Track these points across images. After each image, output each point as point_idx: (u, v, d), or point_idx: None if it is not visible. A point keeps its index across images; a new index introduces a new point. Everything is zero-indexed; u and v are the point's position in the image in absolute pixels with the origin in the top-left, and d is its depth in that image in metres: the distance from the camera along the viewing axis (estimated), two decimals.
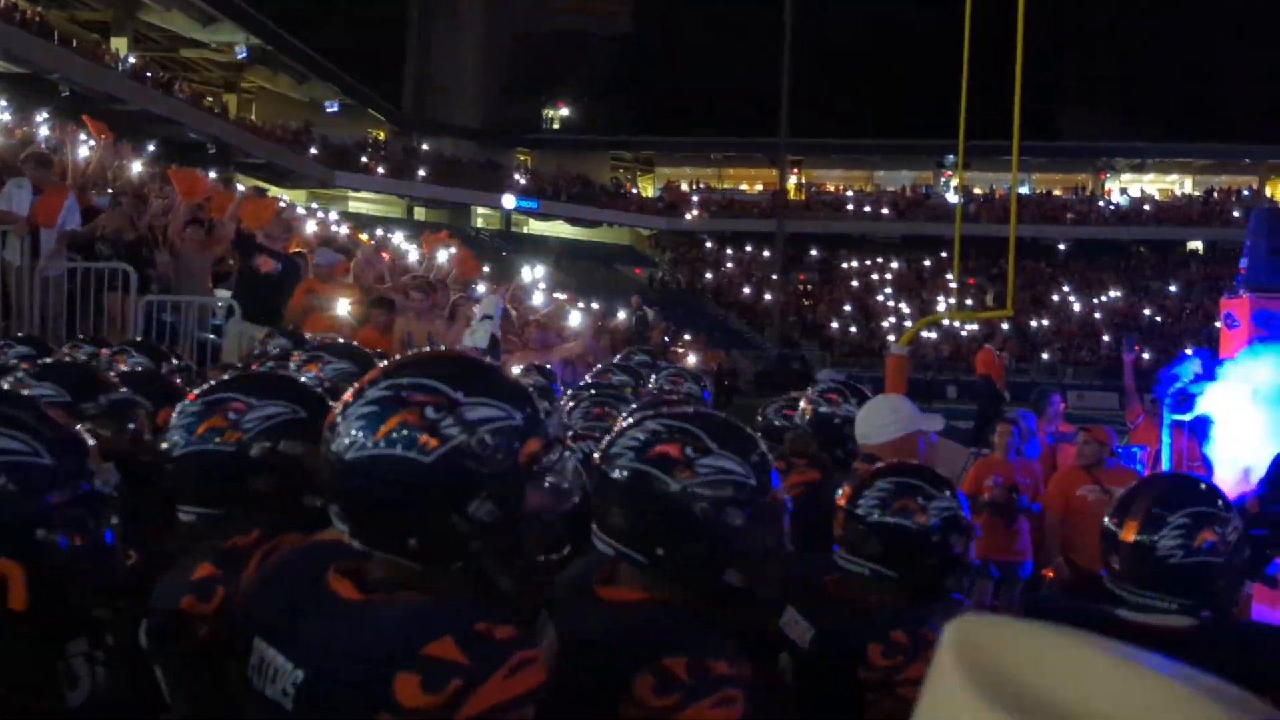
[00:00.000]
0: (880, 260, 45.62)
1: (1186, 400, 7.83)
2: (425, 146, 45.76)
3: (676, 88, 52.42)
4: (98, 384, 2.51)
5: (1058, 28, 43.62)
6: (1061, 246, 44.94)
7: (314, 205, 30.91)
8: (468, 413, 1.29)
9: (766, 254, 43.95)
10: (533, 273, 19.04)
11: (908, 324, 30.89)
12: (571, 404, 3.71)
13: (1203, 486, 2.40)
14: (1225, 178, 47.02)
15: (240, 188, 12.33)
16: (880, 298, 42.64)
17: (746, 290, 43.40)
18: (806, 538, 2.14)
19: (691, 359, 18.87)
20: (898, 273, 44.81)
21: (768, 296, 40.60)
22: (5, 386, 2.29)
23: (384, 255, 13.02)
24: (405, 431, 1.27)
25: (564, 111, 53.32)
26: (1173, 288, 41.16)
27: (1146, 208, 45.77)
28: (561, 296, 17.46)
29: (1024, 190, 45.13)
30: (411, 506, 1.28)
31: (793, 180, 49.37)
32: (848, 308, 41.92)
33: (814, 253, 46.17)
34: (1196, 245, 44.17)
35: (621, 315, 18.94)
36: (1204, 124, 46.06)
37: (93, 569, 1.49)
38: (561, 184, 46.86)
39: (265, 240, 8.22)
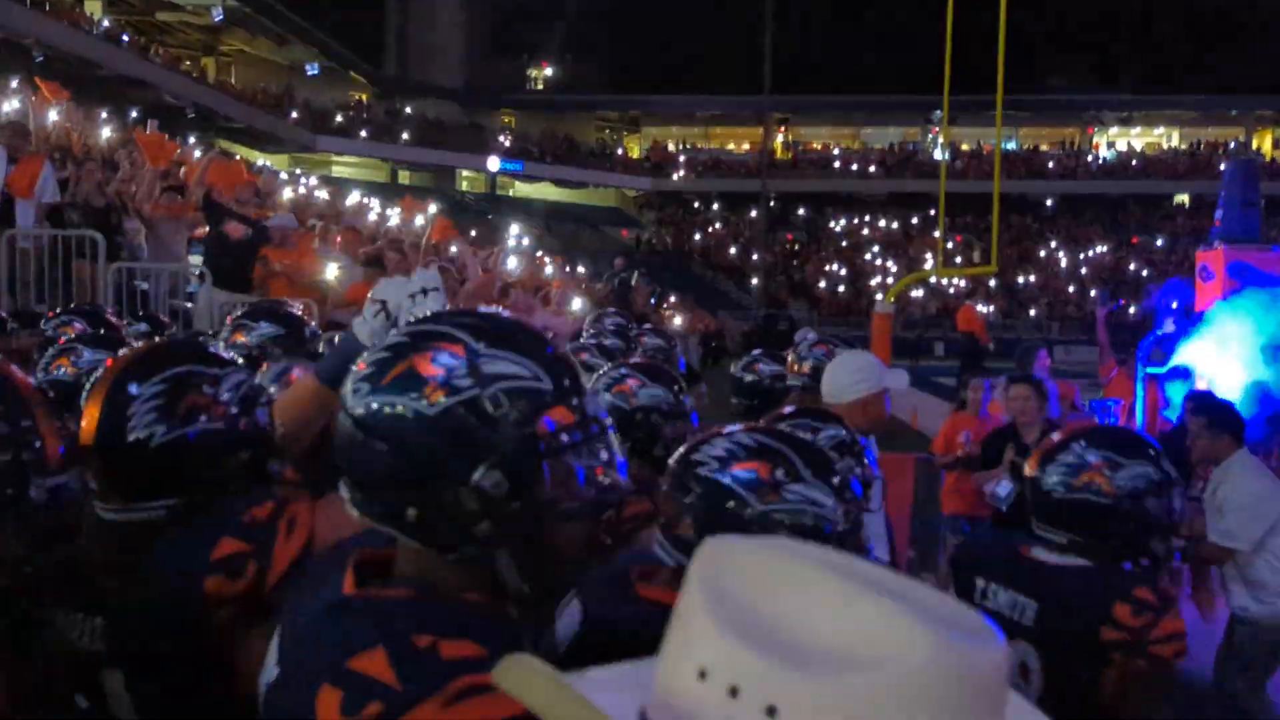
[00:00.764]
0: (868, 218, 45.49)
1: (1162, 354, 7.86)
2: (408, 109, 45.25)
3: (662, 46, 51.84)
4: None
5: None
6: (1049, 202, 44.86)
7: (297, 170, 30.62)
8: (485, 365, 1.14)
9: (754, 214, 43.80)
10: (516, 235, 18.93)
11: (894, 282, 30.88)
12: None
13: (1127, 436, 2.41)
14: (1213, 130, 46.87)
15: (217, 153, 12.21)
16: (868, 256, 42.56)
17: (734, 251, 43.27)
18: None
19: (678, 321, 18.84)
20: (886, 231, 44.70)
21: (755, 257, 40.50)
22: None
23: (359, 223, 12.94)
24: (413, 379, 1.13)
25: (547, 72, 52.74)
26: (1159, 241, 41.17)
27: (1134, 162, 45.65)
28: (545, 261, 17.38)
29: (1011, 146, 44.95)
30: (410, 466, 1.12)
31: (780, 139, 49.07)
32: (836, 267, 41.84)
33: (801, 212, 46.01)
34: (1183, 198, 44.13)
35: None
36: (1191, 76, 45.86)
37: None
38: (546, 145, 46.48)
39: (235, 205, 8.13)
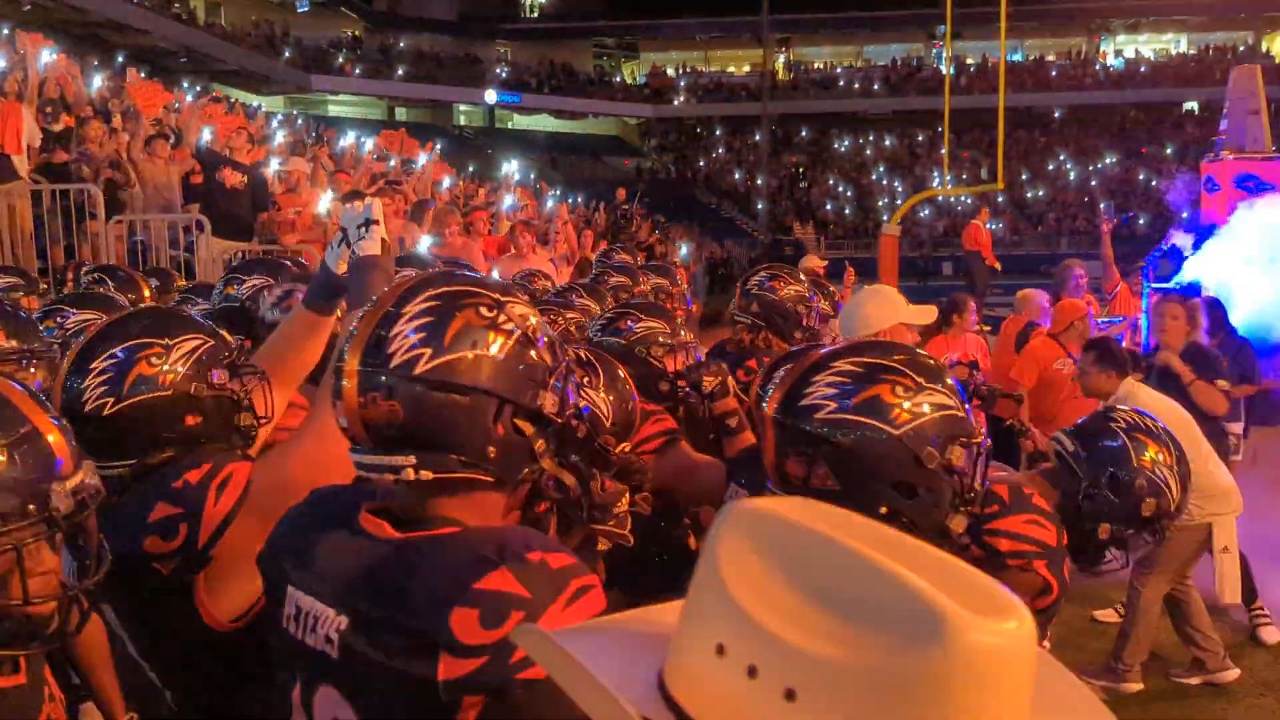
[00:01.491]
0: (872, 138, 44.83)
1: (1170, 267, 7.80)
2: (402, 44, 44.50)
3: None
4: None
5: None
6: (1056, 114, 44.07)
7: (293, 111, 30.26)
8: (513, 309, 1.31)
9: (758, 138, 43.19)
10: (515, 169, 18.71)
11: (901, 202, 30.59)
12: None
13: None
14: (1221, 34, 45.75)
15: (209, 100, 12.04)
16: (874, 176, 42.06)
17: (738, 176, 42.80)
18: None
19: (683, 250, 18.73)
20: (891, 149, 44.09)
21: (759, 181, 40.10)
22: None
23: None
24: (472, 332, 1.26)
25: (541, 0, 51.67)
26: (1169, 150, 40.55)
27: (1141, 69, 44.71)
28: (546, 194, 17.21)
29: (1016, 57, 44.02)
30: (485, 409, 1.26)
31: (781, 60, 48.14)
32: (841, 189, 41.39)
33: (805, 134, 45.34)
34: (1193, 106, 43.33)
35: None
36: None
37: None
38: (543, 75, 45.75)
39: (228, 152, 8.06)
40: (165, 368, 1.80)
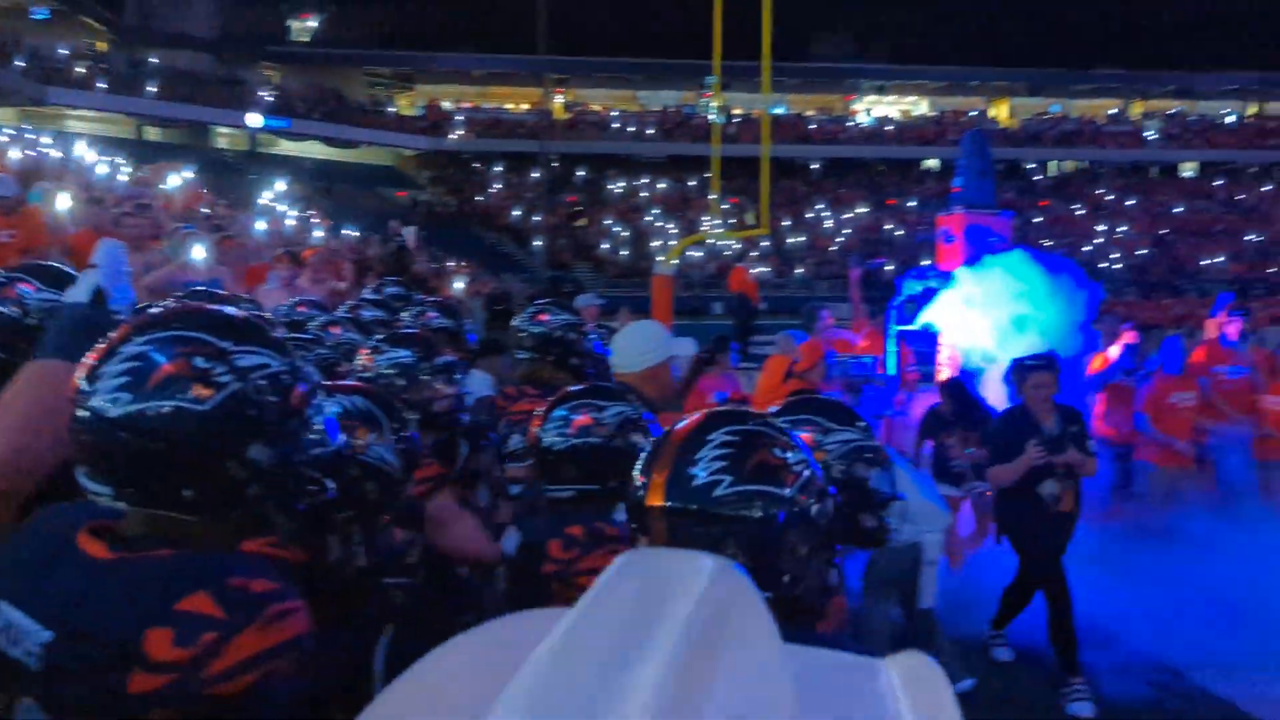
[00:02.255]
0: (647, 180, 46.16)
1: (910, 312, 8.43)
2: (155, 60, 41.64)
3: (435, 1, 50.26)
4: None
5: None
6: (814, 165, 47.08)
7: (25, 126, 27.59)
8: (239, 360, 1.33)
9: (536, 175, 43.41)
10: (279, 196, 17.84)
11: (675, 243, 31.57)
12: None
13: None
14: (958, 99, 50.58)
15: None
16: (649, 218, 43.25)
17: (516, 213, 42.83)
18: None
19: (458, 285, 18.46)
20: (664, 193, 45.54)
21: (537, 219, 40.31)
22: None
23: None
24: (178, 382, 1.30)
25: (310, 23, 49.93)
26: (911, 203, 44.13)
27: (888, 128, 48.62)
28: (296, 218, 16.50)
29: (780, 111, 46.74)
30: (190, 456, 1.30)
31: (559, 100, 48.81)
32: (617, 228, 42.27)
33: (581, 173, 46.06)
34: (933, 163, 47.50)
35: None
36: (937, 49, 49.33)
37: None
38: (313, 101, 44.11)
39: None
40: None
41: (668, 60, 46.74)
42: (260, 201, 17.04)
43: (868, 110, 51.17)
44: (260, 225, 11.06)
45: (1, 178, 8.11)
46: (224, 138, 43.79)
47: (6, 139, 15.05)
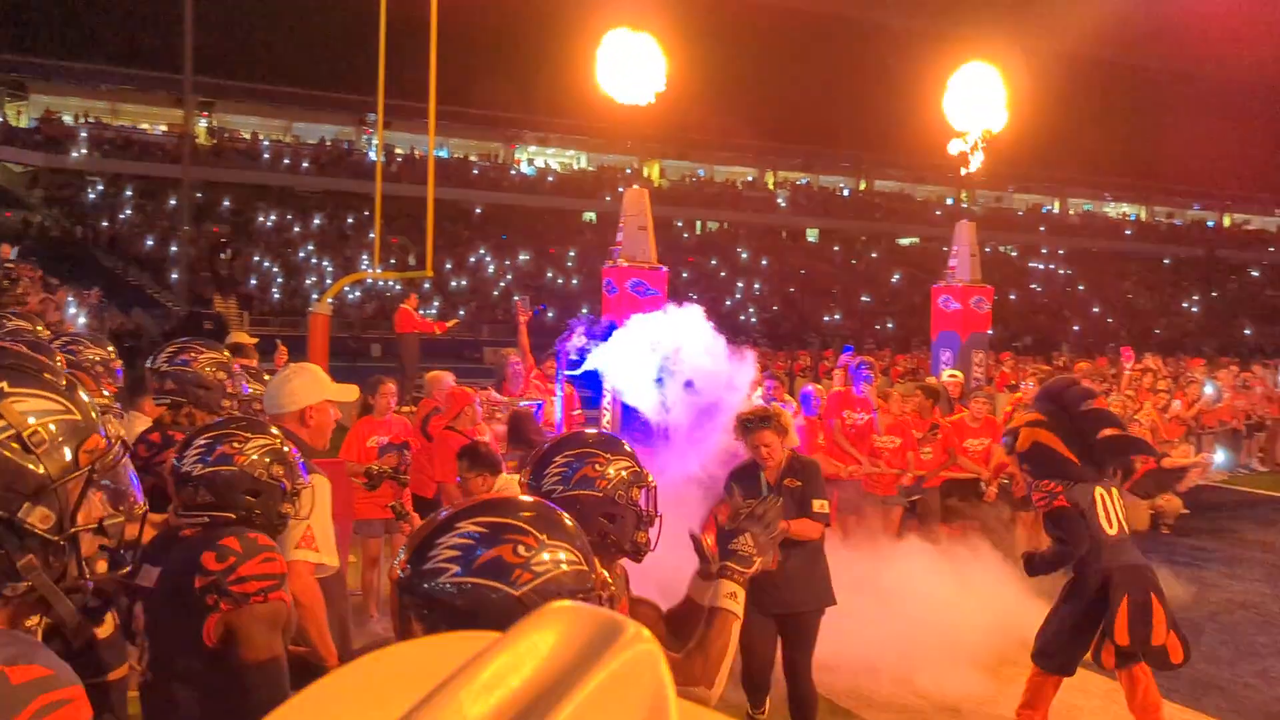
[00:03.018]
0: (302, 215, 44.11)
1: (578, 359, 8.68)
2: None
3: (58, 3, 45.02)
4: None
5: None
6: (477, 210, 47.46)
7: None
8: (16, 404, 1.20)
9: (174, 202, 39.96)
10: None
11: (331, 282, 30.36)
12: None
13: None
14: (613, 156, 53.35)
15: None
16: (303, 254, 41.25)
17: (150, 242, 39.12)
18: None
19: (81, 320, 16.44)
20: (320, 229, 43.73)
21: (174, 249, 37.09)
22: None
23: None
24: None
25: None
26: (572, 253, 45.75)
27: (549, 179, 50.26)
28: None
29: (443, 154, 46.76)
30: None
31: (204, 124, 45.52)
32: (267, 264, 39.88)
33: (228, 203, 43.10)
34: (591, 216, 49.63)
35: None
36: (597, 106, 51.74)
37: None
38: None
39: None
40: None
41: (326, 92, 45.20)
42: None
43: (529, 160, 52.56)
44: None
45: None
46: None
47: None
